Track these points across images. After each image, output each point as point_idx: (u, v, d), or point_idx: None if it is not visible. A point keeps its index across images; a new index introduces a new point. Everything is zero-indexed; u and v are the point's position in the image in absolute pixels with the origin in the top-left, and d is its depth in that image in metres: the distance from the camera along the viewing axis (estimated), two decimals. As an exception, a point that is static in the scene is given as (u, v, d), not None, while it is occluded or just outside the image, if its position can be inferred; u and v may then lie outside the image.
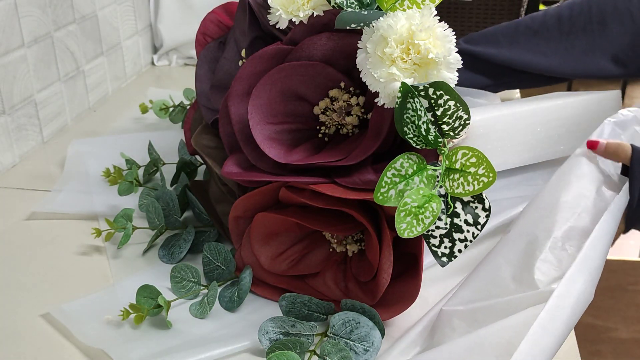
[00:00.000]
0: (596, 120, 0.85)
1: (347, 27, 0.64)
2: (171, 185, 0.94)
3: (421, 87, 0.60)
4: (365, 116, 0.73)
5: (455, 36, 0.61)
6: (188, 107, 1.18)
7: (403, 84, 0.60)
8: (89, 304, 0.74)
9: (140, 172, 0.98)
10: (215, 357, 0.66)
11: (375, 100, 0.65)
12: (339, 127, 0.74)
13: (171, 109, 1.19)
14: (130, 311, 0.70)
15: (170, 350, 0.66)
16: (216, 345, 0.67)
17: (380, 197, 0.61)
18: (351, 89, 0.72)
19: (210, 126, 0.83)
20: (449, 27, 0.62)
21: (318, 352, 0.65)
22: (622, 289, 1.86)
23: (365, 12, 0.64)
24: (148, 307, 0.70)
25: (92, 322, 0.70)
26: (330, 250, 0.76)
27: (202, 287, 0.75)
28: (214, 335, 0.70)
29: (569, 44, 1.01)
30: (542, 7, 1.59)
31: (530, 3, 1.45)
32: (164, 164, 0.98)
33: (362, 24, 0.64)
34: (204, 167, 0.97)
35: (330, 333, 0.67)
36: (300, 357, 0.64)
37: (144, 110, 1.19)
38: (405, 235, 0.60)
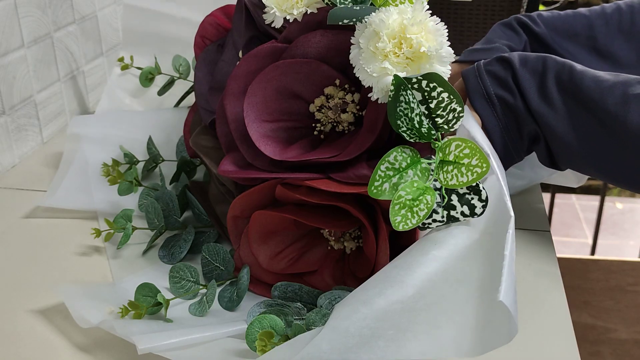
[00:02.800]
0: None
1: (340, 23, 0.65)
2: (170, 184, 0.95)
3: (414, 79, 0.61)
4: (360, 113, 0.73)
5: (447, 29, 0.62)
6: (176, 79, 1.15)
7: (395, 76, 0.60)
8: (92, 295, 0.73)
9: (140, 166, 0.98)
10: (219, 337, 0.66)
11: (369, 96, 0.65)
12: (335, 124, 0.74)
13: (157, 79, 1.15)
14: (129, 309, 0.69)
15: (172, 328, 0.67)
16: (219, 327, 0.67)
17: (375, 191, 0.61)
18: (346, 86, 0.72)
19: (208, 127, 0.83)
20: (448, 27, 0.62)
21: (304, 327, 0.65)
22: (622, 289, 1.86)
23: (358, 8, 0.65)
24: (147, 305, 0.70)
25: (94, 309, 0.70)
26: (328, 248, 0.77)
27: (200, 287, 0.75)
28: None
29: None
30: (542, 7, 1.59)
31: (530, 3, 1.44)
32: (163, 160, 0.98)
33: (354, 20, 0.65)
34: (203, 167, 0.97)
35: None
36: (285, 329, 0.64)
37: (125, 67, 1.16)
38: (400, 228, 0.60)
